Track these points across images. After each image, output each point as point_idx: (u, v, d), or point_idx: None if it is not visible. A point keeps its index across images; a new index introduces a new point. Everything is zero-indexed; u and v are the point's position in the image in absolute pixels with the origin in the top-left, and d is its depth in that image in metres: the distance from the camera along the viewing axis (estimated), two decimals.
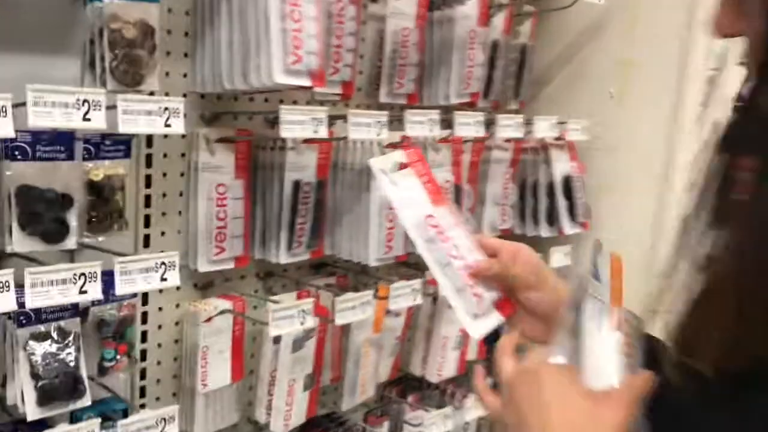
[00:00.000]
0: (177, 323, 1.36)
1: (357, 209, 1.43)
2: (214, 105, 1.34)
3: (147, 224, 1.28)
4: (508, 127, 1.56)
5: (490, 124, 1.61)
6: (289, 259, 1.39)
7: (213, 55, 1.22)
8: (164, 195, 1.30)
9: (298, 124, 1.13)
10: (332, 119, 1.41)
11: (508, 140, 1.74)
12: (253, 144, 1.38)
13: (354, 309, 1.30)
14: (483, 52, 1.68)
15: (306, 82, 1.15)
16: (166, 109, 0.97)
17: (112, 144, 1.06)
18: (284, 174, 1.34)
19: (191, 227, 1.30)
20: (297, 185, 1.36)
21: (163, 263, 1.02)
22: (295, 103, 1.48)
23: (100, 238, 1.07)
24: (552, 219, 1.84)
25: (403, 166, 0.87)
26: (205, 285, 1.39)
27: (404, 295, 1.39)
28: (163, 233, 1.31)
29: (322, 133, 1.17)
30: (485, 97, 1.79)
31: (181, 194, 1.32)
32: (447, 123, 1.50)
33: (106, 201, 1.06)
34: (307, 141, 1.34)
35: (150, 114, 0.95)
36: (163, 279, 1.02)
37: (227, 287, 1.43)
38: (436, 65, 1.65)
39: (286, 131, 1.12)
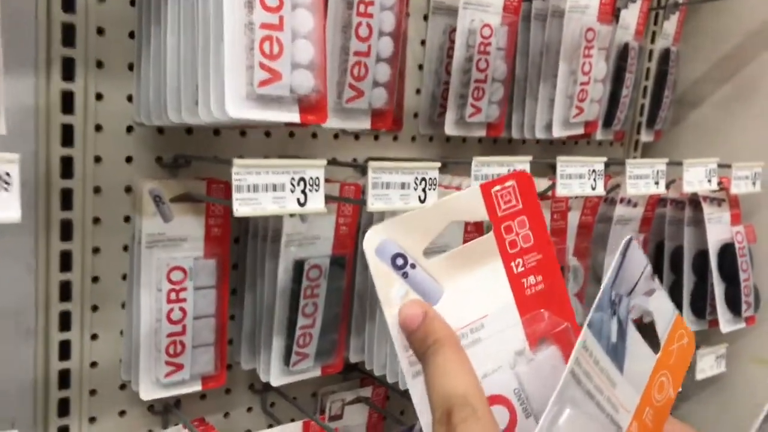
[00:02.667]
0: None
1: None
2: (179, 143, 0.88)
3: (66, 326, 0.84)
4: (641, 179, 1.00)
5: (610, 165, 1.07)
6: (285, 379, 0.91)
7: (159, 70, 0.75)
8: (95, 280, 0.85)
9: (263, 191, 0.64)
10: (359, 170, 0.92)
11: None
12: None
13: None
14: (605, 61, 1.13)
15: (289, 115, 0.66)
16: None
17: None
18: (279, 250, 0.87)
19: (133, 332, 0.85)
20: (299, 268, 0.88)
21: None
22: (314, 137, 1.00)
23: None
24: (700, 306, 1.25)
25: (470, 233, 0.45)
26: (165, 408, 0.94)
27: None
28: (94, 337, 0.86)
29: (314, 203, 0.68)
30: (606, 126, 1.24)
31: (124, 278, 0.87)
32: (550, 169, 0.98)
33: None
34: None
35: None
36: None
37: (203, 407, 0.97)
38: (532, 81, 1.12)
39: (242, 204, 0.63)
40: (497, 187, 0.41)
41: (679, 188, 1.14)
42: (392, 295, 0.40)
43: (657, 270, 1.30)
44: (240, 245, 0.95)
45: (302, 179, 0.67)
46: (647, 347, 0.41)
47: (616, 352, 0.39)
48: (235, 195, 0.63)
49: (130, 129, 0.84)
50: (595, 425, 0.37)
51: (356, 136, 1.03)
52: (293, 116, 0.67)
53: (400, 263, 0.39)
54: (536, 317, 0.42)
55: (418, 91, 1.08)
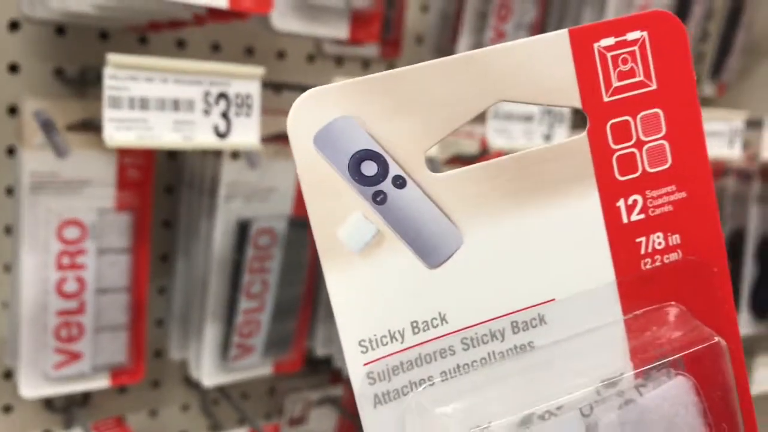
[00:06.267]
0: None
1: None
2: (89, 51, 0.65)
3: None
4: (713, 137, 0.76)
5: None
6: (221, 378, 0.69)
7: None
8: None
9: (156, 109, 0.40)
10: None
11: None
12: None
13: None
14: None
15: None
16: None
17: None
18: (217, 208, 0.63)
19: (15, 306, 0.62)
20: (243, 231, 0.65)
21: None
22: (280, 57, 0.76)
23: None
24: (762, 304, 1.01)
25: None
26: (68, 404, 0.71)
27: None
28: None
29: (242, 135, 0.44)
30: None
31: (8, 231, 0.65)
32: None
33: None
34: (270, 139, 0.61)
35: None
36: None
37: (122, 403, 0.75)
38: (574, 3, 0.87)
39: (119, 128, 0.40)
40: (609, 41, 0.20)
41: (754, 154, 0.89)
42: (346, 238, 0.20)
43: None
44: (174, 195, 0.72)
45: (223, 95, 0.43)
46: None
47: None
48: (107, 112, 0.40)
49: (15, 25, 0.61)
50: None
51: (338, 59, 0.79)
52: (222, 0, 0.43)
53: (371, 172, 0.19)
54: (655, 317, 0.21)
55: (424, 9, 0.83)
